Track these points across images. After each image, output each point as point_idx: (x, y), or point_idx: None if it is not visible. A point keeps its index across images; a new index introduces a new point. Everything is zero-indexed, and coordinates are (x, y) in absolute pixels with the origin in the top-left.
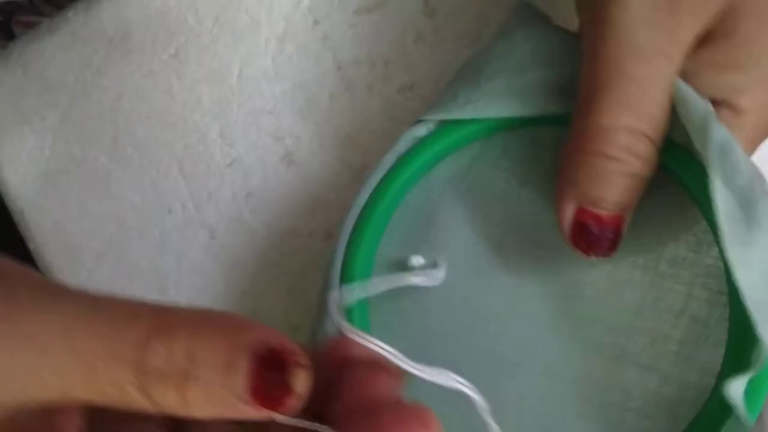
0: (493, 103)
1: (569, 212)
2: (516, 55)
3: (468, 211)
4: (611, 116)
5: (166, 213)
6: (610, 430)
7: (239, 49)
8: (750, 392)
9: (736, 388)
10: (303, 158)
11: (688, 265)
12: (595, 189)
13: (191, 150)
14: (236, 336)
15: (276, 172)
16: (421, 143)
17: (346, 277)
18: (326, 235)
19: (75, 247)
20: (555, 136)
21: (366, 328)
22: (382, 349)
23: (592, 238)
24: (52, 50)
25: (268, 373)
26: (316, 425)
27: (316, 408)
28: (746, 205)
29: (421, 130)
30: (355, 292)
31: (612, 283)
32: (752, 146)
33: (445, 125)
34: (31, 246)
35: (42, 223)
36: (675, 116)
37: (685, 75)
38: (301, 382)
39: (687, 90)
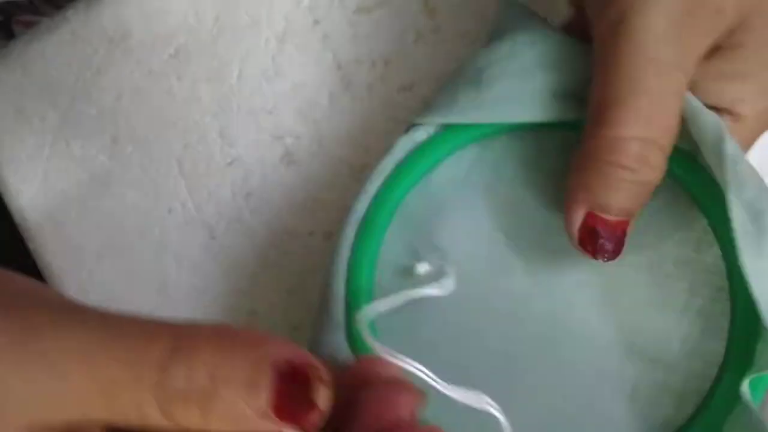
0: (497, 108)
1: (579, 217)
2: (519, 60)
3: (471, 214)
4: (627, 128)
5: (166, 213)
6: (620, 421)
7: (239, 48)
8: (753, 384)
9: (746, 385)
10: (303, 158)
11: (691, 263)
12: (607, 196)
13: (191, 150)
14: (257, 352)
15: (276, 172)
16: (420, 148)
17: (352, 290)
18: (326, 235)
19: (75, 247)
20: (555, 140)
21: (374, 334)
22: (418, 370)
23: (600, 242)
24: (52, 50)
25: (291, 389)
26: None
27: (332, 427)
28: (755, 217)
29: (420, 135)
30: (375, 309)
31: (619, 283)
32: (746, 147)
33: (445, 129)
34: (31, 246)
35: (42, 223)
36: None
37: (691, 83)
38: (324, 398)
39: (697, 104)
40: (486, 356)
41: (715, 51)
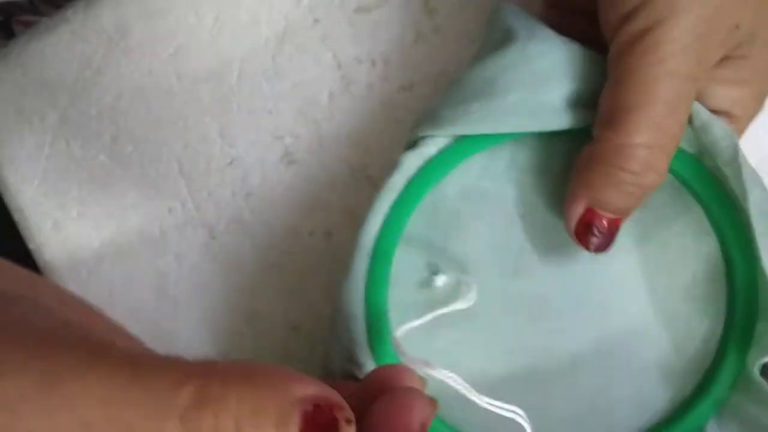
0: (511, 117)
1: (578, 211)
2: (531, 69)
3: (483, 222)
4: (638, 135)
5: (166, 212)
6: (629, 400)
7: (239, 48)
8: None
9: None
10: (303, 158)
11: (691, 252)
12: (608, 196)
13: (191, 149)
14: (284, 395)
15: (276, 172)
16: (431, 163)
17: (373, 311)
18: (326, 235)
19: (75, 247)
20: (561, 145)
21: (387, 338)
22: (457, 382)
23: (596, 236)
24: (51, 49)
25: (317, 429)
26: None
27: None
28: (764, 218)
29: (430, 149)
30: (407, 328)
31: (627, 274)
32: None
33: (456, 141)
34: (31, 246)
35: (42, 223)
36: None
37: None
38: None
39: (707, 115)
40: (506, 357)
41: (722, 60)
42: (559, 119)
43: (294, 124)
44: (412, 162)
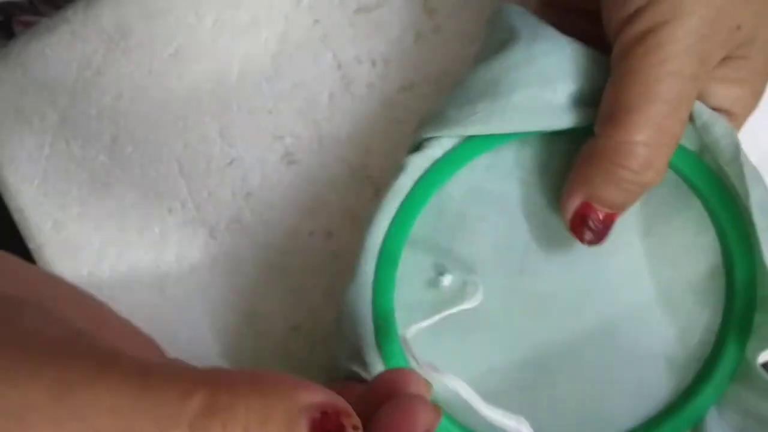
0: (518, 117)
1: (575, 204)
2: (536, 68)
3: (488, 222)
4: (638, 133)
5: (166, 212)
6: (633, 390)
7: (239, 48)
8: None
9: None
10: (303, 158)
11: (692, 246)
12: (606, 191)
13: (191, 149)
14: (292, 402)
15: (276, 172)
16: (437, 164)
17: (381, 312)
18: (326, 235)
19: (75, 247)
20: (564, 144)
21: (394, 338)
22: (463, 389)
23: (590, 229)
24: (51, 49)
25: None
26: None
27: None
28: (766, 214)
29: (435, 151)
30: (417, 328)
31: (630, 268)
32: None
33: (462, 142)
34: (31, 246)
35: (42, 223)
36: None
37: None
38: None
39: (709, 114)
40: (512, 354)
41: (724, 60)
42: (564, 118)
43: (294, 124)
44: (417, 164)
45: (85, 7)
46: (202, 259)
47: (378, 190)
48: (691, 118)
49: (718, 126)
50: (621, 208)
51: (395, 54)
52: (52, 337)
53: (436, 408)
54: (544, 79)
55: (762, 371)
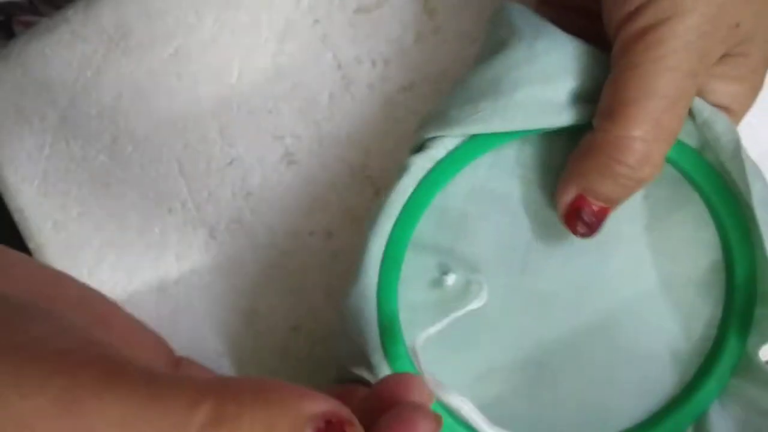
0: (521, 115)
1: (569, 196)
2: (538, 66)
3: (491, 221)
4: (636, 127)
5: (166, 212)
6: (637, 385)
7: (239, 48)
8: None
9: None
10: (303, 158)
11: (692, 242)
12: (602, 186)
13: (191, 149)
14: (297, 411)
15: (276, 172)
16: (441, 164)
17: (384, 310)
18: (326, 234)
19: (75, 247)
20: (567, 142)
21: (399, 339)
22: (467, 408)
23: (584, 222)
24: (51, 49)
25: None
26: None
27: None
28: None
29: (439, 152)
30: (426, 334)
31: (631, 264)
32: None
33: (465, 141)
34: (31, 246)
35: (42, 223)
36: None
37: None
38: None
39: (710, 111)
40: (515, 351)
41: (723, 57)
42: (566, 115)
43: (294, 124)
44: (420, 164)
45: (85, 7)
46: (202, 259)
47: (378, 190)
48: (692, 115)
49: (720, 122)
50: (615, 202)
51: (395, 54)
52: (61, 346)
53: (438, 417)
54: (546, 77)
55: (763, 364)
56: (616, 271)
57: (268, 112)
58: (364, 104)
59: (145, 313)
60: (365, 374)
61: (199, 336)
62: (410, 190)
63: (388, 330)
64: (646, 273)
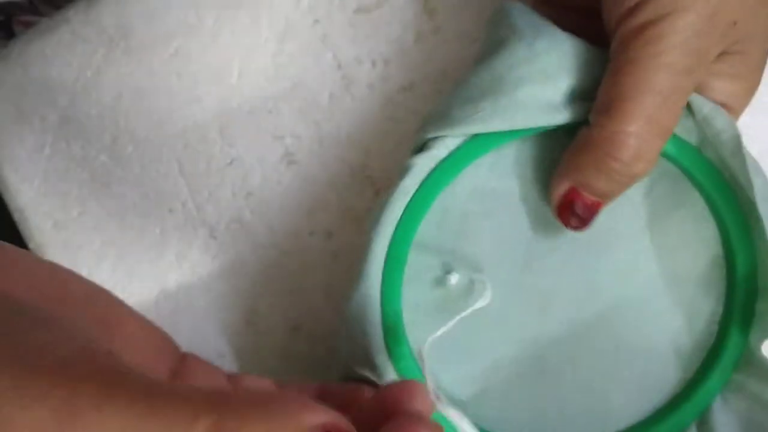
0: (522, 114)
1: (563, 189)
2: (539, 65)
3: (493, 220)
4: (630, 123)
5: (167, 212)
6: (640, 382)
7: (239, 48)
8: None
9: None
10: (303, 158)
11: (693, 238)
12: (595, 181)
13: (191, 149)
14: (297, 425)
15: (276, 172)
16: (443, 164)
17: (388, 310)
18: (326, 235)
19: (75, 247)
20: (567, 140)
21: (403, 339)
22: (462, 422)
23: (576, 215)
24: (52, 49)
25: None
26: None
27: None
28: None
29: (441, 151)
30: (434, 337)
31: (632, 261)
32: None
33: (467, 141)
34: (31, 246)
35: (42, 223)
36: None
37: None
38: None
39: (710, 108)
40: (518, 348)
41: (721, 55)
42: (566, 114)
43: (294, 124)
44: (422, 165)
45: (85, 7)
46: (202, 259)
47: (378, 190)
48: (692, 112)
49: (720, 119)
50: (608, 197)
51: (395, 54)
52: (62, 355)
53: (438, 427)
54: (546, 77)
55: (765, 359)
56: (617, 269)
57: (268, 112)
58: (364, 104)
59: (145, 313)
60: (371, 376)
61: (200, 336)
62: (413, 190)
63: (392, 330)
64: (647, 270)
